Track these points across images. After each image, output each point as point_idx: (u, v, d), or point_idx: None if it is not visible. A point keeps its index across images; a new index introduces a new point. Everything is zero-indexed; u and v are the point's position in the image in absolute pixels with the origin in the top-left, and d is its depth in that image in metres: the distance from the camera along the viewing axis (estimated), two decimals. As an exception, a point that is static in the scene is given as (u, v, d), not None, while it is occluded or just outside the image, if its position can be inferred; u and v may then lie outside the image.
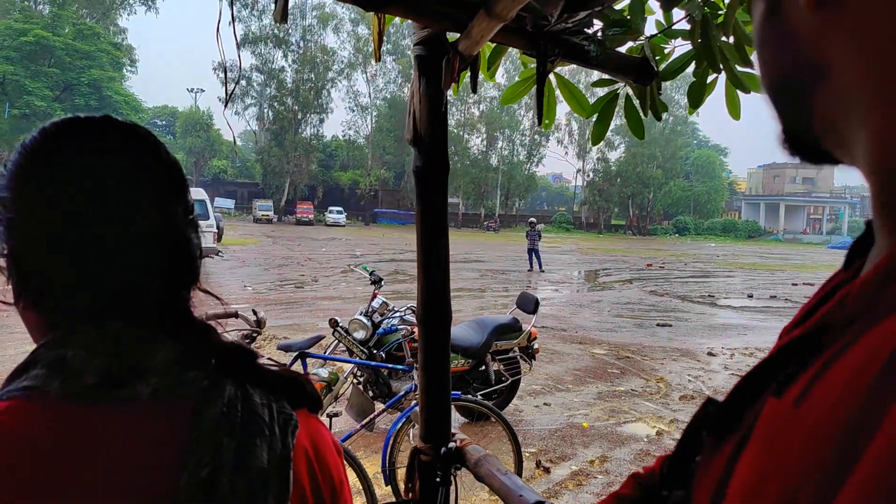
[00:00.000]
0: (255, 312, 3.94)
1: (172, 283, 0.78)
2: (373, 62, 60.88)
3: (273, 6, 1.35)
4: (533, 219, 25.60)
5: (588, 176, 69.62)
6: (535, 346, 6.65)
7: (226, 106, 1.50)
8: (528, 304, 6.45)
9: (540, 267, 23.43)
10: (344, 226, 53.58)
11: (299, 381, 0.83)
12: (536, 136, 64.40)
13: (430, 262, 1.75)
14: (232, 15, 1.54)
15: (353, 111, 64.80)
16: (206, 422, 0.71)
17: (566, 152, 68.25)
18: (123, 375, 0.70)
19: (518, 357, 6.44)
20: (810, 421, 0.38)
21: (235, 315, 3.91)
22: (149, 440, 0.69)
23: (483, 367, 6.22)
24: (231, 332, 4.30)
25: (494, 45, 1.89)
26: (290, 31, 58.87)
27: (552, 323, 12.10)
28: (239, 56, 1.54)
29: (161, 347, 0.73)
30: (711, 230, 67.57)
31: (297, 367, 4.68)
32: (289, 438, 0.75)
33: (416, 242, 1.80)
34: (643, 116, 2.01)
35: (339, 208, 56.04)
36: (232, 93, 1.52)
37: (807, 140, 0.50)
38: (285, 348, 4.74)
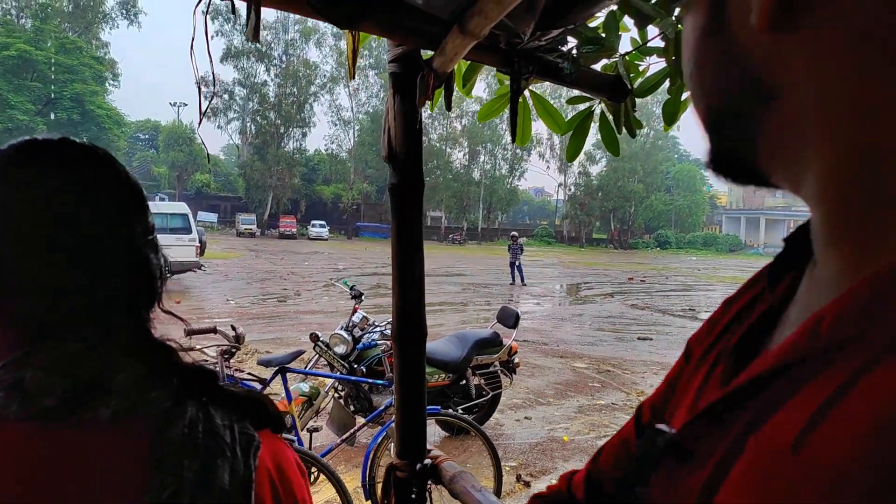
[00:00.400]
0: (234, 328, 3.90)
1: (132, 301, 0.77)
2: (355, 77, 61.24)
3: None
4: (515, 233, 25.67)
5: (569, 190, 70.09)
6: (516, 360, 6.64)
7: (199, 123, 1.49)
8: (509, 319, 6.45)
9: (522, 280, 23.48)
10: (327, 239, 53.43)
11: (262, 402, 0.82)
12: (518, 151, 64.80)
13: (405, 279, 1.74)
14: (206, 30, 1.53)
15: (336, 125, 64.89)
16: (167, 443, 0.70)
17: (548, 166, 68.68)
18: (84, 396, 0.69)
19: (499, 371, 6.43)
20: (826, 469, 0.34)
21: (214, 330, 3.87)
22: (110, 461, 0.68)
23: (463, 382, 6.20)
24: (210, 347, 4.26)
25: (470, 62, 1.90)
26: (272, 45, 58.93)
27: (534, 337, 12.11)
28: (213, 72, 1.53)
29: (122, 367, 0.72)
30: (692, 244, 68.19)
31: (278, 381, 4.64)
32: (251, 459, 0.74)
33: (391, 259, 1.79)
34: (619, 133, 2.03)
35: (322, 222, 55.92)
36: (206, 110, 1.51)
37: (743, 162, 0.47)
38: (265, 363, 4.69)
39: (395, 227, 1.79)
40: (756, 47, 0.43)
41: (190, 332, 3.87)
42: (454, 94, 1.92)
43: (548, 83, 1.87)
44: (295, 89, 59.10)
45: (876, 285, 0.38)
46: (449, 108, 1.83)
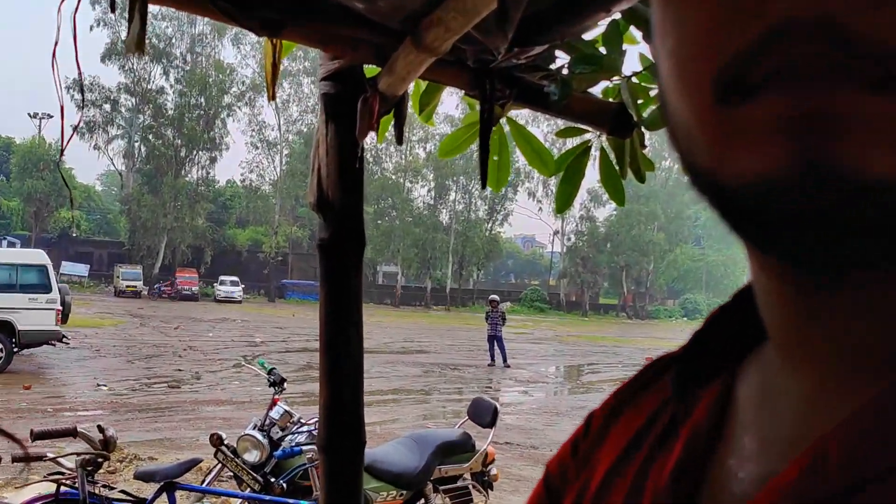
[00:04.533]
0: (101, 429, 3.82)
1: None
2: (284, 86, 61.77)
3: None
4: (495, 296, 25.72)
5: (568, 239, 70.87)
6: (493, 471, 6.59)
7: (61, 156, 1.50)
8: (485, 414, 6.43)
9: (504, 360, 23.46)
10: (240, 302, 52.93)
11: None
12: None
13: (337, 367, 1.74)
14: (74, 32, 1.55)
15: (257, 148, 65.03)
16: None
17: (540, 208, 69.29)
18: None
19: (470, 486, 6.36)
20: None
21: (73, 433, 3.79)
22: None
23: (422, 501, 6.12)
24: (68, 455, 4.15)
25: (428, 81, 1.95)
26: (173, 40, 59.29)
27: (519, 438, 12.06)
28: (80, 79, 1.56)
29: None
30: (730, 313, 69.05)
31: (162, 502, 4.52)
32: None
33: (318, 339, 1.79)
34: (623, 177, 2.08)
35: (234, 278, 55.50)
36: (71, 138, 1.52)
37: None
38: (146, 476, 4.58)
39: (326, 297, 1.79)
40: None
41: (39, 436, 3.77)
42: (409, 119, 1.96)
43: (530, 111, 1.92)
44: (202, 99, 59.30)
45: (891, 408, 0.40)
46: (400, 140, 1.87)
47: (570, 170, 2.06)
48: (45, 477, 4.23)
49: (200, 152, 60.47)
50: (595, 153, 2.14)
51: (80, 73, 1.61)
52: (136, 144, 60.73)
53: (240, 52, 63.35)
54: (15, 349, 16.07)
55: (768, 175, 0.36)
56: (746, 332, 0.53)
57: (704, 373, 0.55)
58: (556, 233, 72.49)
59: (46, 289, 17.03)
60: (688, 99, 0.39)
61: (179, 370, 18.04)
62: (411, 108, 2.05)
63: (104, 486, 4.20)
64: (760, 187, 0.37)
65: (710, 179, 0.41)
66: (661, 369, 0.62)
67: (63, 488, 4.10)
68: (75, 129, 1.57)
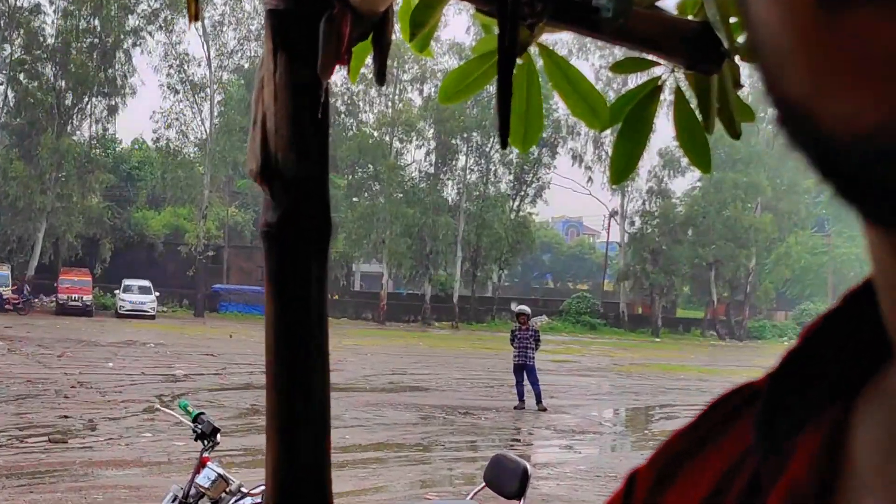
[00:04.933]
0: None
1: None
2: (215, 1, 61.73)
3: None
4: (524, 307, 25.65)
5: (632, 224, 70.66)
6: (524, 563, 6.63)
7: None
8: (509, 479, 6.46)
9: (538, 400, 23.47)
10: (154, 316, 53.06)
11: None
12: (533, 149, 65.52)
13: (292, 411, 1.74)
14: None
15: (177, 93, 64.95)
16: None
17: (589, 178, 69.08)
18: None
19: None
20: None
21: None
22: None
23: None
24: None
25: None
26: (55, -64, 59.25)
27: (560, 513, 12.11)
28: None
29: None
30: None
31: None
32: None
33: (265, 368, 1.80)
34: (709, 131, 2.08)
35: (145, 282, 55.61)
36: None
37: None
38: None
39: (274, 309, 1.79)
40: None
41: None
42: (396, 49, 1.95)
43: (573, 35, 1.91)
44: (97, 22, 59.28)
45: None
46: (381, 79, 1.86)
47: (631, 121, 2.06)
48: None
49: (94, 99, 60.45)
50: (668, 97, 2.13)
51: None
52: (1, 88, 60.77)
53: (150, -48, 63.36)
54: None
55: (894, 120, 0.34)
56: (864, 350, 0.52)
57: (803, 410, 0.54)
58: (613, 214, 72.46)
59: None
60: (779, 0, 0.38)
61: (65, 417, 18.10)
62: (398, 33, 2.05)
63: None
64: (881, 139, 0.34)
65: (807, 123, 0.38)
66: (738, 407, 0.62)
67: None
68: None
